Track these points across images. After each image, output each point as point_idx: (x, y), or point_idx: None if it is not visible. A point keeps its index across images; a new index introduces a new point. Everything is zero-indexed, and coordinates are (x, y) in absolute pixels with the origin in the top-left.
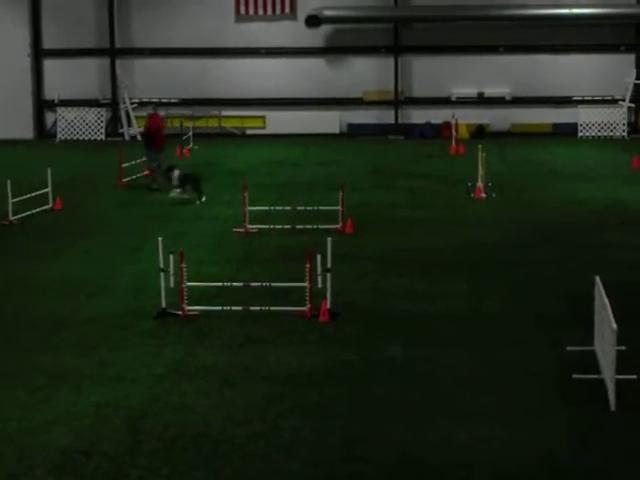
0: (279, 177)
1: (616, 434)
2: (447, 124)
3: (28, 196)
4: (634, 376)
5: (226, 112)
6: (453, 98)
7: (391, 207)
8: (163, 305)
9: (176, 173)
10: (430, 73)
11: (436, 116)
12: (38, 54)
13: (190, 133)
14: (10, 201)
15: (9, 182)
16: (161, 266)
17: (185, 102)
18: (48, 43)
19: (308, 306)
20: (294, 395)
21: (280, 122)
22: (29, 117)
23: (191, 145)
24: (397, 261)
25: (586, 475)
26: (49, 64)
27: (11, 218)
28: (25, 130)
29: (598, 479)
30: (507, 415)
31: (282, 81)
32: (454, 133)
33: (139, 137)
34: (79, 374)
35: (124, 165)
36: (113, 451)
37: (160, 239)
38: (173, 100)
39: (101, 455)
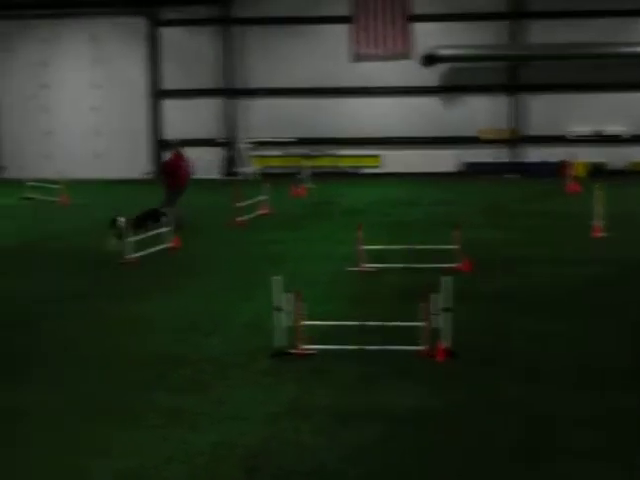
0: (394, 216)
1: None
2: (564, 162)
3: (147, 235)
4: None
5: (342, 151)
6: (569, 136)
7: (508, 246)
8: (279, 344)
9: (121, 221)
10: (546, 111)
11: (552, 154)
12: (157, 94)
13: (308, 172)
14: (128, 240)
15: (123, 220)
16: (276, 305)
17: (301, 141)
18: (167, 83)
19: (425, 346)
20: (410, 435)
21: (395, 161)
22: (147, 156)
23: (307, 184)
24: (515, 300)
25: None
26: (168, 104)
27: (129, 256)
28: (144, 169)
29: None
30: (627, 457)
31: (397, 120)
32: (571, 171)
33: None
34: (195, 413)
35: (240, 204)
36: None
37: (275, 278)
38: (290, 139)
39: None
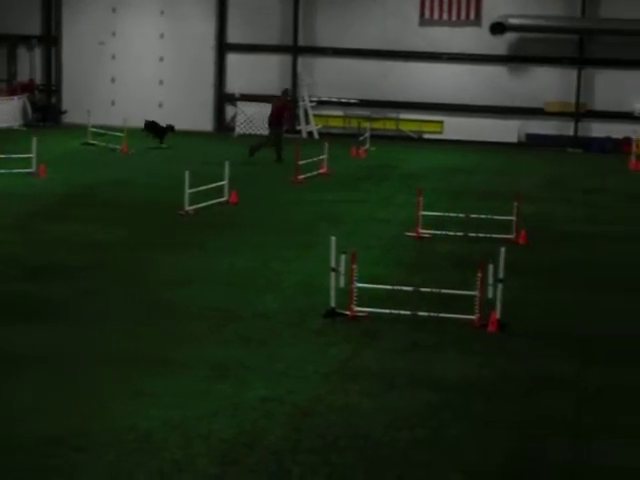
0: (454, 183)
1: None
2: (628, 139)
3: (205, 188)
4: None
5: (404, 115)
6: (636, 113)
7: (567, 221)
8: (332, 304)
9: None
10: (613, 87)
11: (617, 131)
12: (222, 48)
13: (367, 134)
14: (187, 191)
15: (187, 173)
16: (332, 265)
17: (364, 103)
18: (232, 37)
19: (477, 315)
20: (458, 404)
21: (458, 128)
22: (210, 110)
23: (367, 146)
24: (571, 276)
25: None
26: (232, 58)
27: (187, 208)
28: (205, 122)
29: None
30: None
31: (462, 87)
32: (635, 149)
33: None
34: (245, 368)
35: (301, 162)
36: (276, 446)
37: (333, 238)
38: (352, 100)
39: (264, 449)
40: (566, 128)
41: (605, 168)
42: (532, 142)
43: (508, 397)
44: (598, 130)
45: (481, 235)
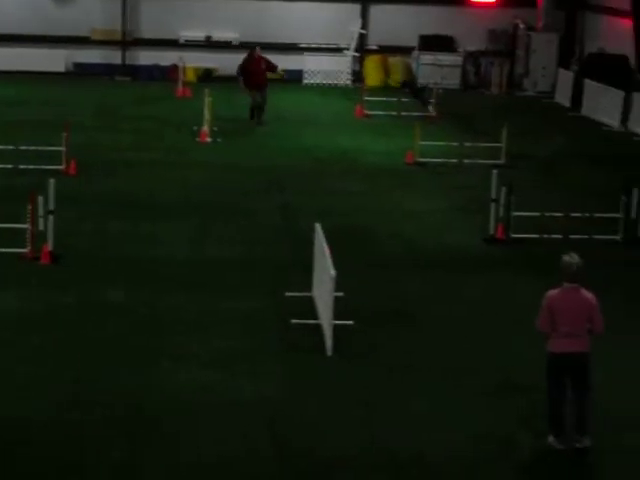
0: (2, 115)
1: (332, 379)
2: (174, 67)
3: None
4: (350, 322)
5: None
6: (181, 41)
7: (116, 149)
8: None
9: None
10: (159, 14)
11: (164, 58)
12: None
13: None
14: None
15: None
16: None
17: None
18: None
19: (29, 248)
20: (14, 340)
21: (4, 58)
22: None
23: None
24: (121, 204)
25: (302, 419)
26: None
27: None
28: None
29: (314, 423)
30: (226, 360)
31: (7, 16)
32: (181, 76)
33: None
34: None
35: None
36: None
37: None
38: None
39: None
40: (114, 56)
41: (153, 96)
42: (80, 71)
43: (64, 328)
44: (146, 58)
45: (31, 167)
